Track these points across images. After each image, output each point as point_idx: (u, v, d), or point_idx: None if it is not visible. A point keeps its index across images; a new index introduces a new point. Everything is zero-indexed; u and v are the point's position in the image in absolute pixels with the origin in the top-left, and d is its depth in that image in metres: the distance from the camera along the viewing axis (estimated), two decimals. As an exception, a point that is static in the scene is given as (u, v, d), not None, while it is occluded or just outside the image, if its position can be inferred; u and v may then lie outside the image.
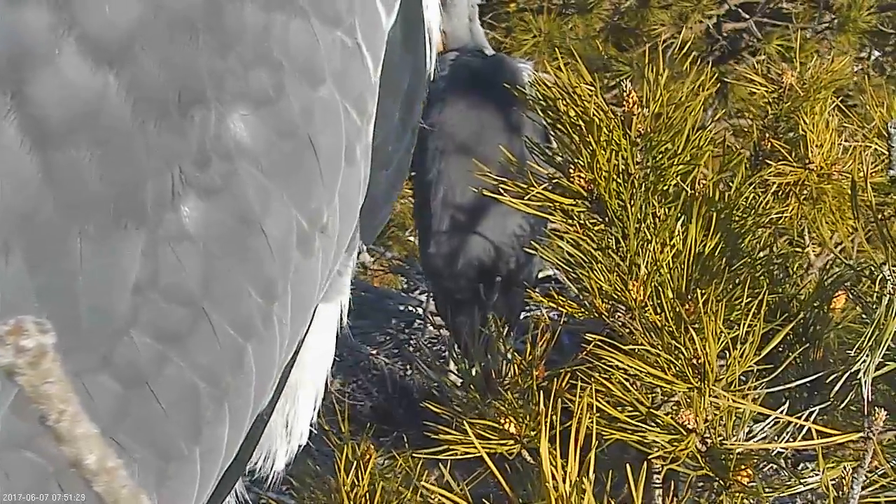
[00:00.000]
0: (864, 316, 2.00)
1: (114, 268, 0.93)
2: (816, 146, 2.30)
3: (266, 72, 0.99)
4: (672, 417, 1.89)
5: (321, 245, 1.08)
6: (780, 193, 2.33)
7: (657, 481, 1.98)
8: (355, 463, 2.10)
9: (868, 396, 1.86)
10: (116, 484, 0.50)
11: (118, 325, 0.94)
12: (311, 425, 1.32)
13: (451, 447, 1.96)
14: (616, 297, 2.03)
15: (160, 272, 0.95)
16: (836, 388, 1.95)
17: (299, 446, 1.32)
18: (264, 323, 1.04)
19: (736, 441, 1.89)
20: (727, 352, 1.92)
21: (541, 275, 4.06)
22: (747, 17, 5.72)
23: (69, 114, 0.91)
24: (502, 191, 2.14)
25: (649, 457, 1.92)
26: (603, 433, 1.86)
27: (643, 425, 1.90)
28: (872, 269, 1.98)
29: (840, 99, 2.45)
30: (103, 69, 0.92)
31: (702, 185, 2.16)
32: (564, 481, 1.44)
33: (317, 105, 1.03)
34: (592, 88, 2.04)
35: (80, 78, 0.91)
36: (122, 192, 0.93)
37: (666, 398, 1.95)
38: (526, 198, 2.08)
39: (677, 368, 1.90)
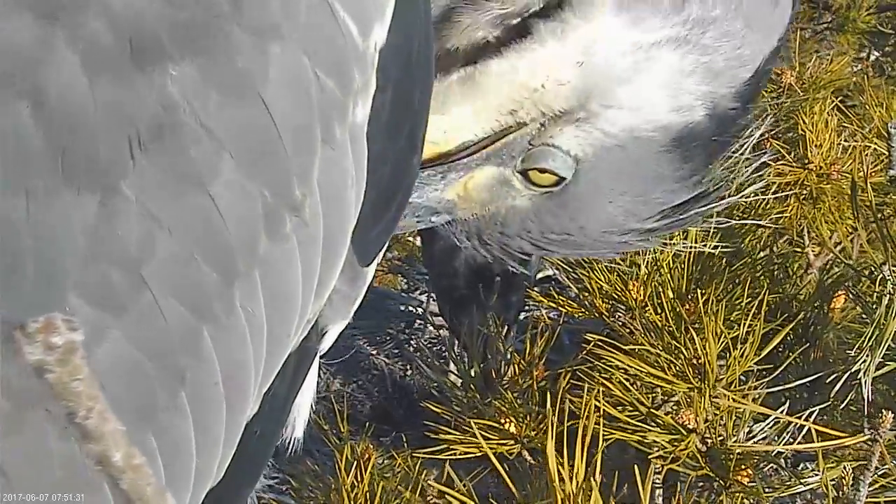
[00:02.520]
0: (864, 316, 2.01)
1: (60, 228, 0.89)
2: (816, 146, 2.30)
3: (205, 18, 0.92)
4: (672, 417, 1.90)
5: (295, 231, 1.00)
6: (779, 193, 2.34)
7: (657, 481, 1.99)
8: (355, 463, 2.10)
9: (868, 396, 1.87)
10: (142, 481, 0.50)
11: (56, 288, 0.89)
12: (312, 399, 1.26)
13: (450, 447, 1.96)
14: (616, 296, 2.03)
15: (101, 233, 0.90)
16: (836, 388, 1.95)
17: (305, 420, 1.27)
18: (224, 308, 0.97)
19: (736, 441, 1.90)
20: (727, 352, 1.92)
21: (540, 275, 4.06)
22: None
23: (7, 67, 0.86)
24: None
25: (649, 457, 1.92)
26: (603, 433, 1.86)
27: (643, 425, 1.90)
28: (872, 269, 1.99)
29: (839, 99, 2.45)
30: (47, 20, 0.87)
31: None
32: (571, 481, 1.44)
33: (270, 60, 0.95)
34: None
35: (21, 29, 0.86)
36: (69, 148, 0.88)
37: (666, 398, 1.96)
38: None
39: (677, 368, 1.90)
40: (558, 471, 1.42)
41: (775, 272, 2.19)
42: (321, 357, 1.23)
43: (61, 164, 0.88)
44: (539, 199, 1.54)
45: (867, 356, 1.86)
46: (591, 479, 1.42)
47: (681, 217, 1.56)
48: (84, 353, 0.50)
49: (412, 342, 4.17)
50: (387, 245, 1.22)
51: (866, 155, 2.21)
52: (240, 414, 1.03)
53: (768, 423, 1.92)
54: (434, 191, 1.52)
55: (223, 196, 0.95)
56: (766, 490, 1.91)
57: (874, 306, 1.89)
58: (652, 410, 1.91)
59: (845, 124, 2.39)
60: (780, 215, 2.31)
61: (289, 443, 1.26)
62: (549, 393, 1.94)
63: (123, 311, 0.92)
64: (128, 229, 0.91)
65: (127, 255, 0.91)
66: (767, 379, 2.00)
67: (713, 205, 1.58)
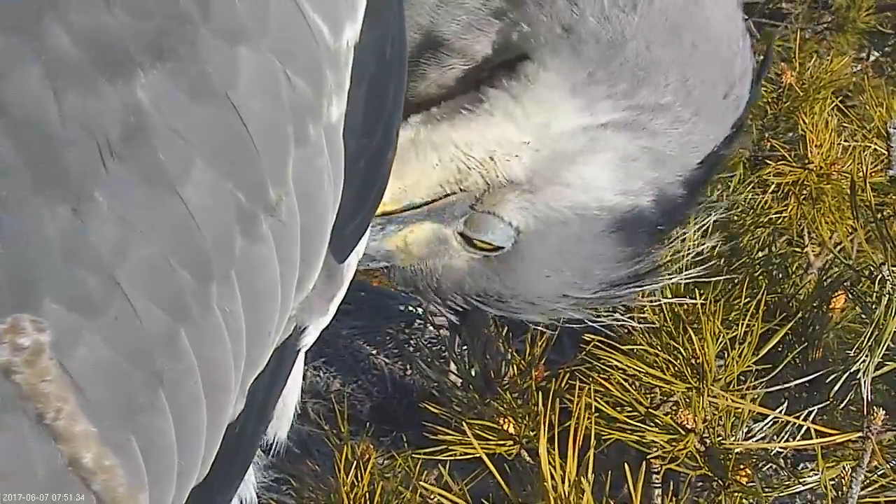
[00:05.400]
0: (863, 316, 2.00)
1: (33, 236, 0.88)
2: (816, 146, 2.30)
3: (172, 24, 0.92)
4: (671, 417, 1.90)
5: (272, 230, 1.00)
6: (779, 193, 2.34)
7: (656, 481, 1.99)
8: (355, 463, 2.10)
9: (867, 396, 1.86)
10: (114, 482, 0.50)
11: (31, 294, 0.89)
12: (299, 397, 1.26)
13: (450, 447, 1.96)
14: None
15: (75, 239, 0.90)
16: (836, 388, 1.95)
17: (291, 419, 1.26)
18: (201, 309, 0.97)
19: (735, 441, 1.89)
20: (726, 352, 1.92)
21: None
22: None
23: None
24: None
25: (648, 457, 1.92)
26: (602, 433, 1.86)
27: (642, 425, 1.90)
28: (872, 269, 1.98)
29: (839, 99, 2.45)
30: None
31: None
32: (563, 481, 1.44)
33: (239, 64, 0.95)
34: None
35: None
36: (39, 158, 0.88)
37: (665, 398, 1.96)
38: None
39: (676, 368, 1.90)
40: (551, 471, 1.42)
41: (774, 272, 2.19)
42: (307, 354, 1.22)
43: (32, 173, 0.88)
44: (476, 261, 1.55)
45: (866, 356, 1.86)
46: (583, 478, 1.42)
47: (617, 294, 1.57)
48: (52, 355, 0.50)
49: (412, 342, 4.15)
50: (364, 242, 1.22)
51: (866, 155, 2.21)
52: (222, 412, 1.03)
53: (767, 423, 1.92)
54: (372, 241, 1.51)
55: (196, 199, 0.95)
56: (765, 490, 1.90)
57: (873, 306, 1.89)
58: (651, 410, 1.91)
59: (845, 124, 2.39)
60: (779, 215, 2.31)
61: (275, 443, 1.26)
62: (544, 392, 1.94)
63: (100, 314, 0.92)
64: (102, 234, 0.91)
65: (101, 260, 0.91)
66: (766, 379, 2.00)
67: (651, 285, 1.59)
